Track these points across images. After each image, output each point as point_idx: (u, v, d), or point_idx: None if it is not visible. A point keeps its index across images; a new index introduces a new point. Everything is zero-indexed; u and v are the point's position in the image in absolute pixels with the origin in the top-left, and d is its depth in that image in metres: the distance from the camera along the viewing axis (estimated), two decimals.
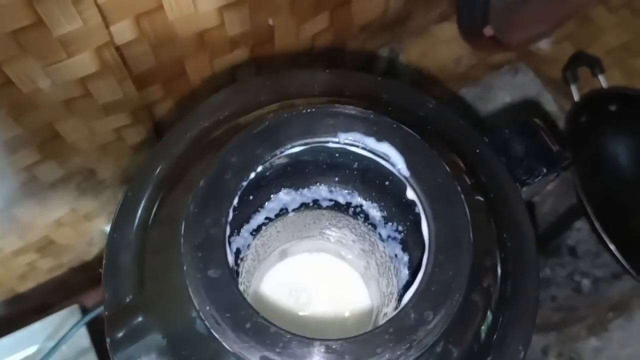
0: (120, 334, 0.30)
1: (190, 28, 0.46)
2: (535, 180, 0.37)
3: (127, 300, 0.32)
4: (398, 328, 0.28)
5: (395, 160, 0.32)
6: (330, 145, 0.32)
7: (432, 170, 0.31)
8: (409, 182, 0.31)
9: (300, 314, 0.44)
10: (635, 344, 0.60)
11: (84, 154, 0.53)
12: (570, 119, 0.62)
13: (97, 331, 0.61)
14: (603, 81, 0.65)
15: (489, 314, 0.33)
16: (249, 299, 0.41)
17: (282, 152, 0.32)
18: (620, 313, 0.62)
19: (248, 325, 0.28)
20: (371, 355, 0.27)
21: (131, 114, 0.52)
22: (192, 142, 0.36)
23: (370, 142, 0.32)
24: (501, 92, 0.67)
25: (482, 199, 0.35)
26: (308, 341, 0.28)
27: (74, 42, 0.40)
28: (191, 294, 0.28)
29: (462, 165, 0.36)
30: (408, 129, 0.33)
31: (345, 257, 0.46)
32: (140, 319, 0.30)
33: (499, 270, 0.34)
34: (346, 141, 0.32)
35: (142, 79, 0.48)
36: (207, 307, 0.28)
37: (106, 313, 0.31)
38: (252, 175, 0.31)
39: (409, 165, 0.31)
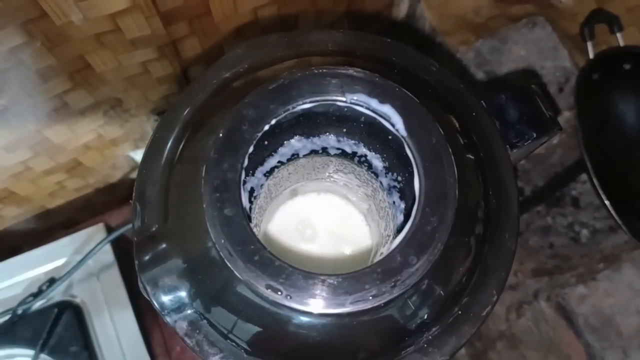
0: (147, 258, 0.33)
1: None
2: (525, 144, 0.39)
3: (153, 229, 0.35)
4: (385, 268, 0.32)
5: (395, 121, 0.34)
6: (338, 104, 0.35)
7: (428, 132, 0.34)
8: (405, 141, 0.34)
9: (305, 246, 0.47)
10: (619, 295, 0.61)
11: (112, 84, 0.56)
12: (581, 76, 0.61)
13: (120, 248, 0.65)
14: (620, 39, 0.64)
15: (471, 259, 0.36)
16: (260, 232, 0.45)
17: (293, 108, 0.34)
18: (610, 265, 0.62)
19: (256, 258, 0.31)
20: (360, 290, 0.31)
21: (158, 49, 0.54)
22: (215, 90, 0.39)
23: (374, 103, 0.34)
24: (516, 45, 0.66)
25: (472, 157, 0.37)
26: (307, 274, 0.31)
27: None
28: (208, 228, 0.32)
29: (457, 125, 0.38)
30: (409, 93, 0.35)
31: (350, 199, 0.49)
32: (164, 245, 0.34)
33: (482, 222, 0.36)
34: (352, 101, 0.35)
35: (169, 16, 0.50)
36: (222, 241, 0.31)
37: (135, 239, 0.35)
38: (267, 127, 0.34)
39: (407, 127, 0.34)
